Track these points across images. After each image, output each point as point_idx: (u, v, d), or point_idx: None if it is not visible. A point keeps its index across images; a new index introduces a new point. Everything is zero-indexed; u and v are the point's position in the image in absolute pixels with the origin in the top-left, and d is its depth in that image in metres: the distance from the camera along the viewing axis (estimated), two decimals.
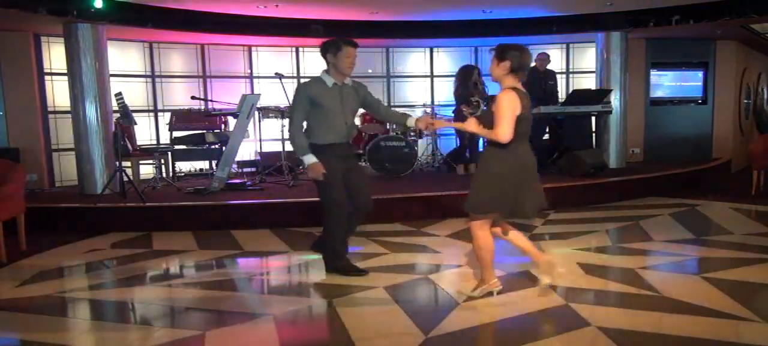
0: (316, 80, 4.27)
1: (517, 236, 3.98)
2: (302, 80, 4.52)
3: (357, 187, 4.33)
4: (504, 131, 3.51)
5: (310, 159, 4.14)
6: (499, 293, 3.91)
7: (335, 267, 4.47)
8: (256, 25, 8.19)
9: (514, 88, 3.60)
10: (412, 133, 8.70)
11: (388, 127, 8.35)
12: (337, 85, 4.22)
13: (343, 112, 4.22)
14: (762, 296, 3.99)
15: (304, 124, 4.26)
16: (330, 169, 4.15)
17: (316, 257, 4.63)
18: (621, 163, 8.77)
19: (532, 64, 8.83)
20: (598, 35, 8.78)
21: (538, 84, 8.41)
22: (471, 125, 3.72)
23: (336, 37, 4.29)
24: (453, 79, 8.54)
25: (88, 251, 5.50)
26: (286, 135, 8.34)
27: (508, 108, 3.52)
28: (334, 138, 4.20)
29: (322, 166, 4.13)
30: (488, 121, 3.62)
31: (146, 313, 3.98)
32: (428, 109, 9.81)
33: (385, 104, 9.87)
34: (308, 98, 4.16)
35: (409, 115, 4.44)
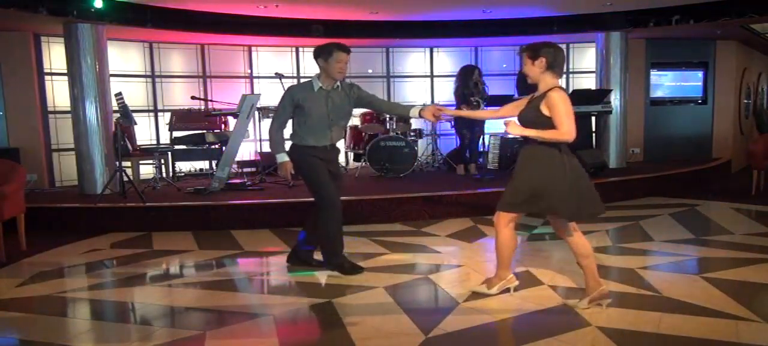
0: (303, 84, 4.39)
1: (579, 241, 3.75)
2: (291, 85, 4.55)
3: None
4: (571, 129, 3.41)
5: (281, 157, 4.32)
6: (516, 289, 3.95)
7: (332, 265, 4.50)
8: (256, 25, 8.19)
9: (560, 86, 3.53)
10: (412, 133, 8.71)
11: (388, 127, 8.35)
12: (323, 89, 4.27)
13: (327, 116, 4.27)
14: (762, 296, 3.99)
15: (290, 124, 4.38)
16: (316, 165, 4.25)
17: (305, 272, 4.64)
18: (621, 164, 8.78)
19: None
20: (598, 35, 8.78)
21: None
22: (514, 128, 3.54)
23: (331, 41, 4.33)
24: (454, 78, 8.54)
25: (88, 251, 5.50)
26: (287, 135, 8.40)
27: (567, 105, 3.44)
28: (315, 142, 4.28)
29: (290, 165, 4.26)
30: (529, 121, 3.52)
31: (146, 313, 3.98)
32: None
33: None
34: (292, 101, 4.27)
35: (413, 105, 4.45)
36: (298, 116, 4.29)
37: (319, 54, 4.24)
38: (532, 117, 3.52)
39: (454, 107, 8.13)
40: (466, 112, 4.03)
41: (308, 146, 4.27)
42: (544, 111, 3.47)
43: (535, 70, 3.55)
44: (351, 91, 4.42)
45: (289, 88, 4.42)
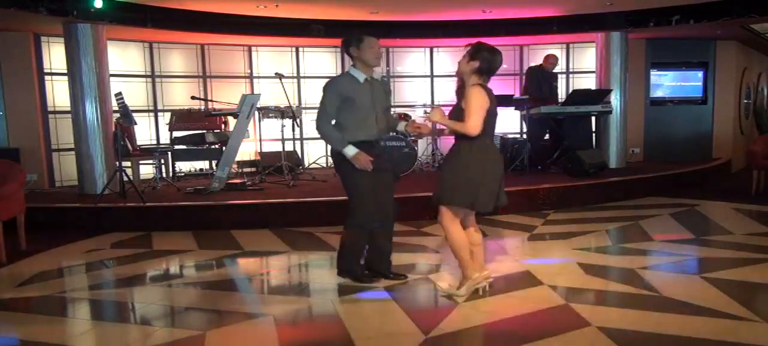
0: (346, 76, 4.12)
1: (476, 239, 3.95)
2: (333, 78, 4.26)
3: (383, 194, 4.16)
4: (474, 124, 3.59)
5: (350, 150, 3.95)
6: (487, 292, 3.90)
7: (349, 273, 4.30)
8: (256, 25, 8.19)
9: (481, 84, 3.68)
10: (412, 133, 8.71)
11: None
12: (368, 80, 4.06)
13: (374, 108, 4.06)
14: (762, 296, 3.99)
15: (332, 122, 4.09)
16: (362, 175, 3.99)
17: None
18: (621, 163, 8.77)
19: (539, 63, 8.86)
20: (598, 35, 8.78)
21: (547, 84, 8.43)
22: (436, 115, 3.74)
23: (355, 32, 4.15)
24: (455, 78, 8.54)
25: (88, 251, 5.50)
26: (287, 135, 8.44)
27: (478, 102, 3.61)
28: (365, 135, 4.04)
29: (368, 155, 3.95)
30: (456, 115, 3.70)
31: (146, 313, 3.97)
32: (428, 109, 9.80)
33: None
34: (339, 94, 4.00)
35: (400, 121, 4.47)
36: (346, 110, 4.00)
37: (350, 43, 4.04)
38: (456, 111, 3.73)
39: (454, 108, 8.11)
40: (448, 121, 3.90)
41: (359, 142, 4.00)
42: (462, 105, 3.67)
43: (467, 68, 3.74)
44: (386, 85, 4.36)
45: (331, 81, 4.10)
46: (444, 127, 3.95)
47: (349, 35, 4.11)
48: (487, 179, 3.69)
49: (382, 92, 4.20)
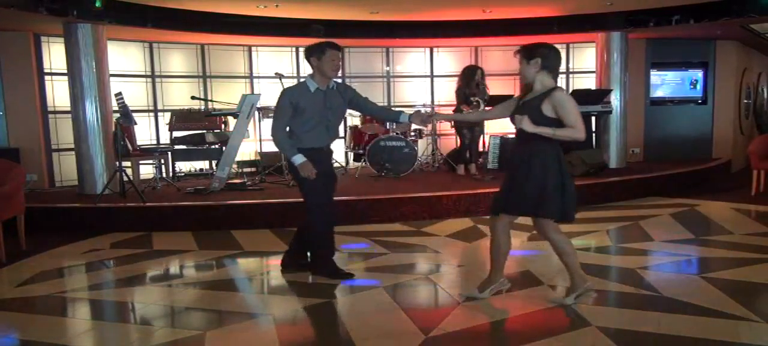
0: (299, 86, 4.32)
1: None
2: (287, 87, 4.46)
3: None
4: (583, 127, 3.47)
5: (299, 159, 4.14)
6: (508, 290, 3.91)
7: (323, 272, 4.41)
8: (256, 25, 8.18)
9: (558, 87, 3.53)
10: (412, 133, 8.71)
11: (388, 126, 8.35)
12: (320, 89, 4.21)
13: (325, 117, 4.22)
14: (762, 296, 3.99)
15: (287, 128, 4.28)
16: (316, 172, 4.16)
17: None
18: (621, 164, 8.77)
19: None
20: (598, 35, 8.77)
21: None
22: (529, 125, 3.46)
23: (324, 40, 4.29)
24: (456, 78, 8.54)
25: (88, 251, 5.50)
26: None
27: (575, 103, 3.46)
28: (314, 143, 4.21)
29: (312, 165, 4.12)
30: (535, 122, 3.48)
31: (146, 313, 3.98)
32: (428, 109, 9.80)
33: (386, 104, 9.90)
34: (290, 103, 4.17)
35: (402, 112, 4.46)
36: (296, 118, 4.20)
37: (312, 53, 4.20)
38: (533, 118, 3.47)
39: (454, 106, 8.13)
40: (454, 115, 3.89)
41: (306, 149, 4.18)
42: (546, 111, 3.45)
43: (531, 70, 3.54)
44: (346, 92, 4.41)
45: (285, 91, 4.30)
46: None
47: (315, 44, 4.23)
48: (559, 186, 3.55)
49: (337, 101, 4.30)
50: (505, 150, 8.61)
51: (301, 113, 4.17)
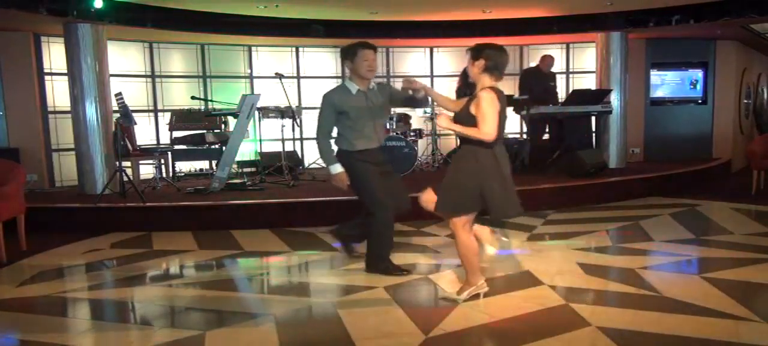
0: (339, 88, 4.25)
1: (480, 230, 4.01)
2: (328, 91, 4.33)
3: (393, 189, 4.34)
4: (490, 130, 3.50)
5: (335, 169, 4.14)
6: (485, 295, 3.87)
7: (378, 268, 4.43)
8: (256, 25, 8.19)
9: (493, 87, 3.60)
10: (412, 133, 8.72)
11: (388, 126, 8.36)
12: (361, 91, 4.18)
13: (370, 117, 4.18)
14: (762, 296, 3.99)
15: (335, 131, 4.25)
16: (367, 172, 4.16)
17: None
18: (621, 164, 8.77)
19: (536, 65, 8.87)
20: (598, 35, 8.77)
21: (542, 85, 8.42)
22: (443, 121, 3.62)
23: (357, 41, 4.23)
24: (456, 78, 8.55)
25: (88, 251, 5.50)
26: (287, 135, 8.43)
27: (492, 106, 3.51)
28: (363, 144, 4.17)
29: (346, 176, 4.12)
30: (462, 120, 3.60)
31: (146, 313, 3.98)
32: (428, 109, 9.80)
33: None
34: (332, 106, 4.13)
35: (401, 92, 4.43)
36: (342, 122, 4.16)
37: (345, 56, 4.18)
38: (463, 116, 3.60)
39: None
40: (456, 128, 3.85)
41: (357, 151, 4.15)
42: (472, 110, 3.56)
43: (475, 70, 3.64)
44: (384, 90, 4.40)
45: (325, 95, 4.22)
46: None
47: (347, 47, 4.20)
48: (506, 184, 3.62)
49: (379, 100, 4.27)
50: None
51: (346, 116, 4.13)
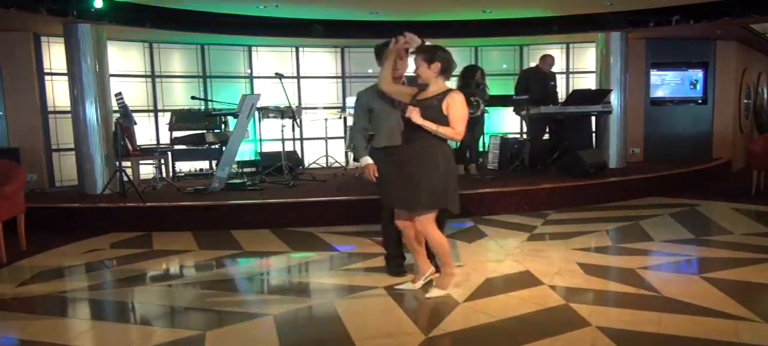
0: (371, 87, 4.34)
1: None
2: (361, 90, 4.45)
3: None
4: (462, 129, 3.73)
5: (365, 160, 4.25)
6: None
7: (386, 266, 4.53)
8: (256, 25, 8.19)
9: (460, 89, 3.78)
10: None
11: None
12: None
13: (396, 116, 4.20)
14: (762, 296, 3.99)
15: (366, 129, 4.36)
16: (382, 172, 4.18)
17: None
18: (621, 163, 8.77)
19: (535, 65, 8.86)
20: (598, 35, 8.77)
21: (542, 85, 8.41)
22: (416, 115, 3.71)
23: (384, 41, 4.25)
24: (456, 78, 8.53)
25: (88, 251, 5.50)
26: (287, 135, 8.44)
27: (464, 108, 3.76)
28: (387, 141, 4.21)
29: (374, 167, 4.19)
30: (431, 118, 3.70)
31: (146, 313, 3.98)
32: None
33: None
34: (361, 105, 4.30)
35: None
36: (372, 121, 4.28)
37: (377, 56, 4.28)
38: (433, 115, 3.71)
39: None
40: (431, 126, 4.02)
41: (379, 148, 4.23)
42: (445, 110, 3.71)
43: (430, 72, 3.81)
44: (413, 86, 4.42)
45: (359, 94, 4.40)
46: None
47: (377, 47, 4.29)
48: (456, 181, 3.87)
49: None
50: (505, 150, 8.62)
51: (372, 114, 4.26)
